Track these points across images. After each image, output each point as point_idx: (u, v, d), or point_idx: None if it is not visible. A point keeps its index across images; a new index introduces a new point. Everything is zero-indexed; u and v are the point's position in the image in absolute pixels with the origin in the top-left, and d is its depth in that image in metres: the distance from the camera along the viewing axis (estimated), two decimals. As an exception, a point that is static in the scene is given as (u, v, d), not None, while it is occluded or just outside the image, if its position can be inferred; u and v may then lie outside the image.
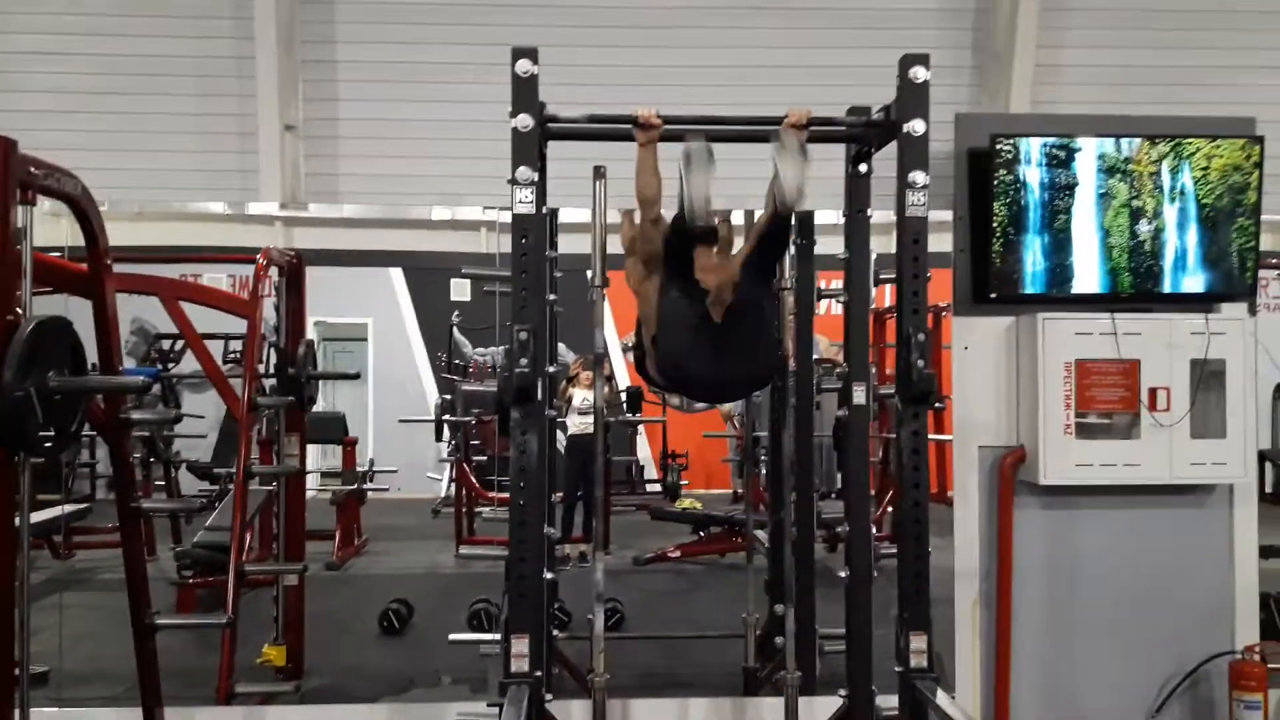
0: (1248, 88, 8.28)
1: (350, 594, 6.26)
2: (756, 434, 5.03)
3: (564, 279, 3.84)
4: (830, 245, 3.59)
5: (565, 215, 4.06)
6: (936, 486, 6.11)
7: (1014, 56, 8.40)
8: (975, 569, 3.64)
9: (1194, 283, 3.64)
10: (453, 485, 7.98)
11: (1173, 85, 8.39)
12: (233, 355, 8.80)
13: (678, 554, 7.15)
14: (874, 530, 3.65)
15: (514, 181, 2.95)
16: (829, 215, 3.72)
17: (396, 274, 11.15)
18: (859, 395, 3.47)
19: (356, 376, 6.10)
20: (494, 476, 7.45)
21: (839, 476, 5.45)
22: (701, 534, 7.51)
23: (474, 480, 7.66)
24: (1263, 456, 3.86)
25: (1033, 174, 3.58)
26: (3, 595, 2.32)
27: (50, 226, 3.04)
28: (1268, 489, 5.82)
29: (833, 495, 6.17)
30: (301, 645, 4.55)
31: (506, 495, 2.99)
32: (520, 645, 2.81)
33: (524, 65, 2.96)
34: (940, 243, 3.18)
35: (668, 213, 3.18)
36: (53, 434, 2.45)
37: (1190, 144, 3.60)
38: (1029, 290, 3.61)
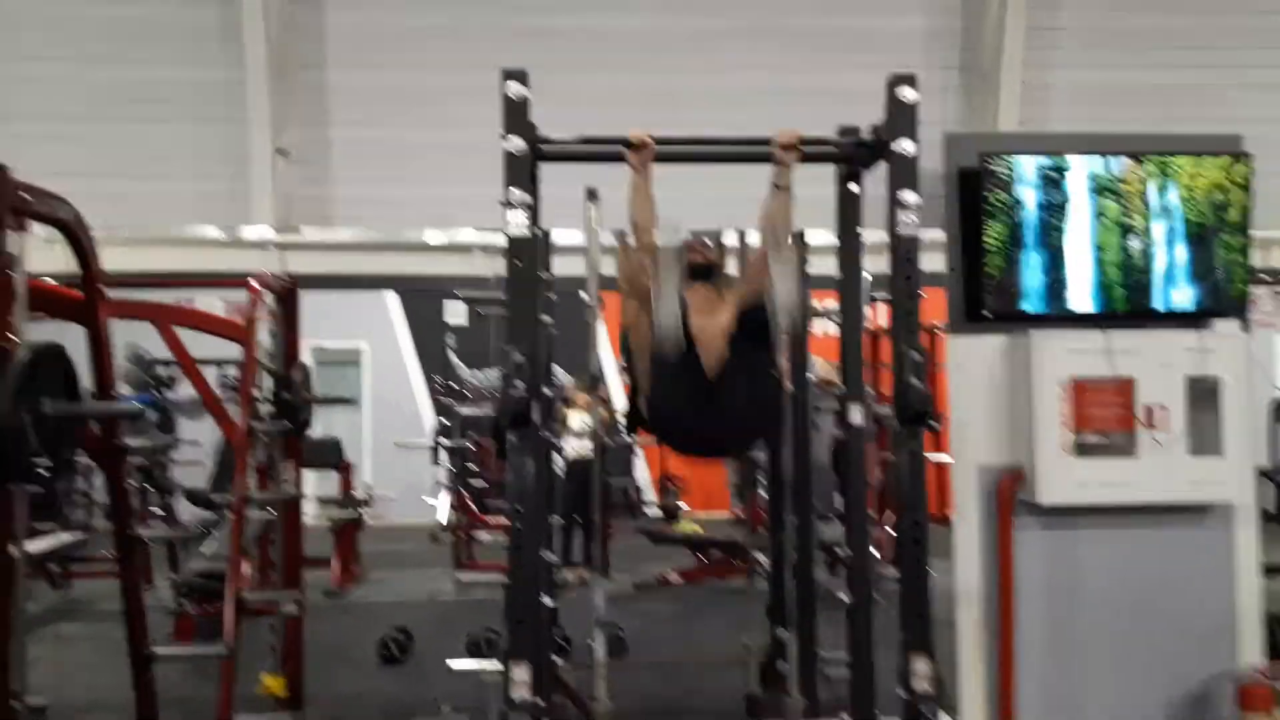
0: (1234, 104, 8.37)
1: (349, 622, 6.22)
2: (755, 456, 5.02)
3: (559, 301, 3.84)
4: (823, 265, 3.60)
5: (559, 237, 4.07)
6: (936, 507, 6.10)
7: (1001, 76, 8.50)
8: (976, 590, 3.62)
9: (1186, 300, 3.64)
10: (450, 510, 7.96)
11: (1159, 103, 8.48)
12: (228, 381, 8.79)
13: (679, 580, 7.11)
14: (874, 552, 3.64)
15: (507, 204, 2.96)
16: (821, 235, 3.73)
17: (391, 297, 11.16)
18: (856, 415, 3.47)
19: (352, 401, 6.09)
20: (492, 500, 7.43)
21: (838, 498, 5.44)
22: (702, 558, 7.47)
23: (471, 505, 7.63)
24: (1263, 475, 3.84)
25: (1023, 193, 3.59)
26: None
27: (44, 253, 3.03)
28: (1270, 508, 5.79)
29: (832, 518, 6.16)
30: (301, 674, 4.51)
31: (504, 520, 2.98)
32: (520, 672, 2.78)
33: (515, 88, 2.97)
34: (932, 262, 3.19)
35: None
36: (48, 462, 2.44)
37: (1176, 162, 3.62)
38: (1022, 308, 3.61)
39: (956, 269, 3.69)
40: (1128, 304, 3.62)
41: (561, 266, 4.07)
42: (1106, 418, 3.56)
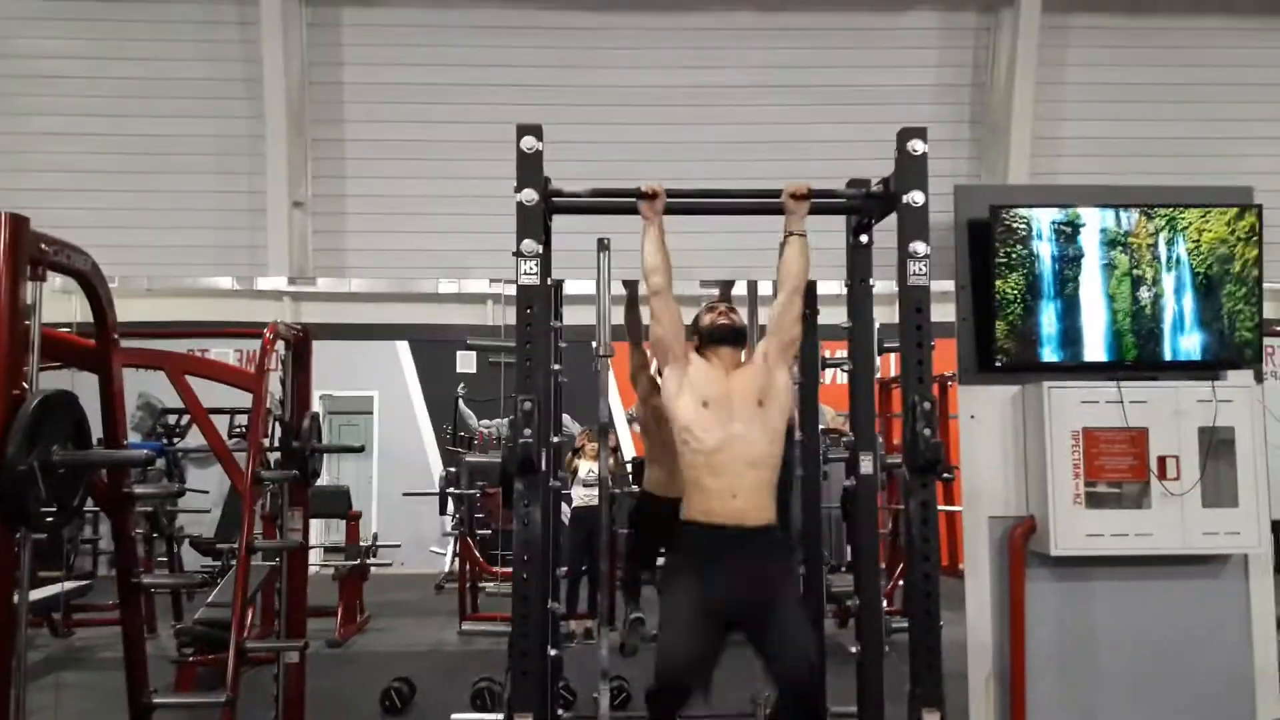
0: (1243, 158, 8.42)
1: (352, 672, 6.15)
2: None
3: (568, 350, 3.86)
4: (833, 315, 3.61)
5: (570, 287, 4.10)
6: (947, 558, 6.03)
7: (1011, 129, 8.57)
8: (988, 643, 3.57)
9: (1199, 350, 3.64)
10: (456, 560, 7.88)
11: (1169, 156, 8.54)
12: (238, 429, 8.81)
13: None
14: (885, 604, 3.59)
15: (519, 254, 2.99)
16: (831, 286, 3.75)
17: (403, 347, 11.21)
18: (866, 465, 3.46)
19: (361, 449, 6.09)
20: (498, 550, 7.38)
21: (848, 549, 5.39)
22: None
23: (478, 554, 7.58)
24: (1277, 526, 3.81)
25: (1034, 244, 3.61)
26: (0, 675, 2.28)
27: (60, 302, 3.07)
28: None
29: (842, 568, 6.10)
30: (302, 725, 4.45)
31: (510, 570, 2.96)
32: (524, 724, 2.75)
33: (529, 141, 3.02)
34: (941, 313, 3.20)
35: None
36: (55, 509, 2.44)
37: (1183, 216, 3.64)
38: (1033, 359, 3.61)
39: (967, 319, 3.70)
40: (1139, 354, 3.62)
41: (572, 315, 4.09)
42: (1119, 468, 3.54)
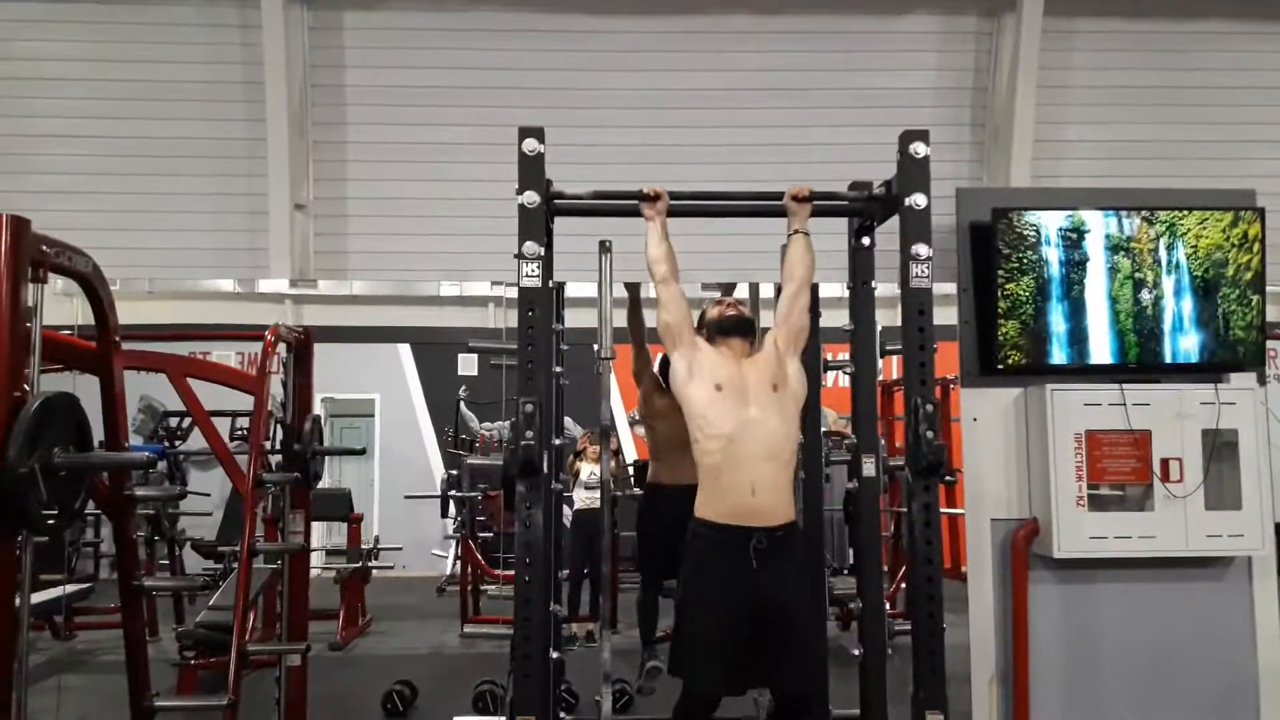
0: (1247, 161, 8.41)
1: (353, 675, 6.15)
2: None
3: (570, 352, 3.85)
4: (835, 318, 3.61)
5: (572, 290, 4.10)
6: (950, 561, 6.02)
7: (1013, 132, 8.56)
8: (991, 645, 3.56)
9: (1199, 353, 3.64)
10: (458, 562, 7.87)
11: (1172, 159, 8.53)
12: (240, 432, 8.81)
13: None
14: (887, 606, 3.59)
15: (521, 256, 2.99)
16: (833, 289, 3.74)
17: (404, 349, 11.21)
18: (868, 467, 3.46)
19: (362, 452, 6.09)
20: (500, 553, 7.37)
21: (851, 552, 5.38)
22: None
23: (479, 557, 7.57)
24: (1281, 529, 3.82)
25: (1038, 248, 3.61)
26: (1, 678, 2.27)
27: (61, 304, 3.07)
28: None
29: (845, 571, 6.09)
30: (303, 728, 4.45)
31: (512, 572, 2.95)
32: (526, 727, 2.75)
33: (531, 144, 3.03)
34: (943, 316, 3.19)
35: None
36: (56, 511, 2.43)
37: (1183, 222, 3.64)
38: (1036, 361, 3.61)
39: (970, 321, 3.70)
40: (1142, 357, 3.61)
41: (573, 318, 4.09)
42: (1122, 471, 3.53)
